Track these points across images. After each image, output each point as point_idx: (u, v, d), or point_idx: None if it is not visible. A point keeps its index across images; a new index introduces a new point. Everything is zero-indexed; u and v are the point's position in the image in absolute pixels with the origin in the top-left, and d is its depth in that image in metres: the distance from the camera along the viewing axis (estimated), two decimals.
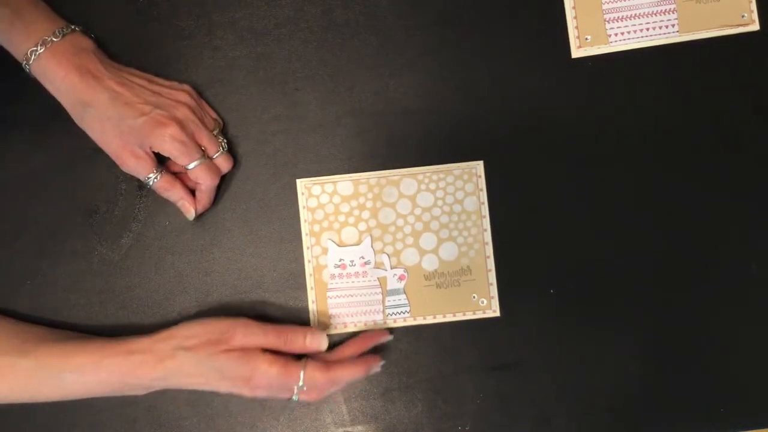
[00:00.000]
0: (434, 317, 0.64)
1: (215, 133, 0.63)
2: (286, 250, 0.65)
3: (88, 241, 0.65)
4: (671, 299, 0.64)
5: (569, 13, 0.66)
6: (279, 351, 0.59)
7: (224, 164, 0.64)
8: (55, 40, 0.59)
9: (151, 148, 0.60)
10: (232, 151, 0.65)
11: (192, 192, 0.63)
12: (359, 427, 0.64)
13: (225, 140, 0.64)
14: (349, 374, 0.60)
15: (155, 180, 0.61)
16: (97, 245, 0.65)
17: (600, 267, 0.65)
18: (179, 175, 0.63)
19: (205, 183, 0.62)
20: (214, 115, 0.64)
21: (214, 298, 0.64)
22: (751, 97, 0.66)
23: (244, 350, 0.58)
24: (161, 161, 0.62)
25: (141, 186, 0.65)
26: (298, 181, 0.65)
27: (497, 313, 0.64)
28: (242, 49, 0.66)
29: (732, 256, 0.65)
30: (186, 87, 0.64)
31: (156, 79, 0.63)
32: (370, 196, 0.65)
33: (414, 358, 0.64)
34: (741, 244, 0.65)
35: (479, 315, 0.64)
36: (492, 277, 0.64)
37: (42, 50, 0.59)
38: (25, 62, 0.60)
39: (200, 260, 0.65)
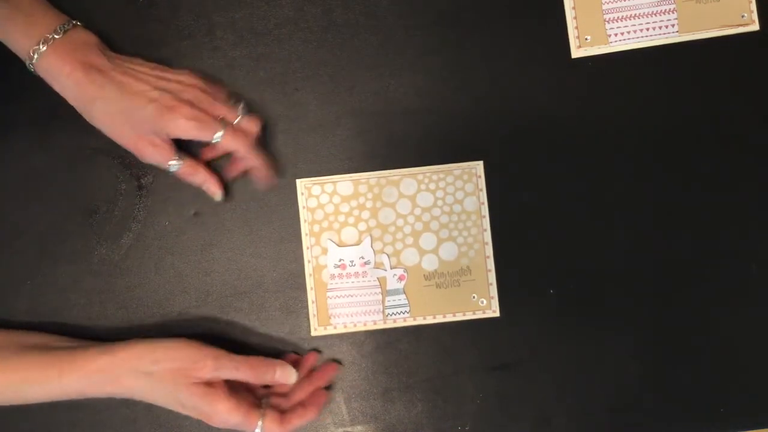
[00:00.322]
0: (434, 317, 0.64)
1: (231, 103, 0.63)
2: (286, 250, 0.65)
3: (88, 241, 0.65)
4: (671, 299, 0.64)
5: (569, 13, 0.66)
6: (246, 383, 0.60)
7: (250, 125, 0.62)
8: (57, 36, 0.59)
9: (168, 135, 0.60)
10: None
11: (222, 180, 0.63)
12: (359, 427, 0.64)
13: (243, 104, 0.63)
14: (304, 421, 0.60)
15: (178, 166, 0.61)
16: (97, 245, 0.65)
17: (600, 267, 0.65)
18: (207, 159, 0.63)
19: (239, 149, 0.61)
20: (222, 90, 0.63)
21: (214, 298, 0.64)
22: (751, 97, 0.66)
23: (210, 387, 0.57)
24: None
25: (141, 186, 0.65)
26: (298, 181, 0.65)
27: (497, 313, 0.64)
28: (242, 49, 0.66)
29: (732, 256, 0.65)
30: (188, 71, 0.63)
31: (159, 66, 0.62)
32: (370, 196, 0.65)
33: (414, 358, 0.64)
34: (741, 244, 0.65)
35: (479, 315, 0.64)
36: (492, 277, 0.64)
37: (45, 48, 0.59)
38: (28, 61, 0.59)
39: (200, 260, 0.65)
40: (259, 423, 0.58)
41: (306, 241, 0.65)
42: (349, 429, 0.64)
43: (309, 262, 0.64)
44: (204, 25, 0.66)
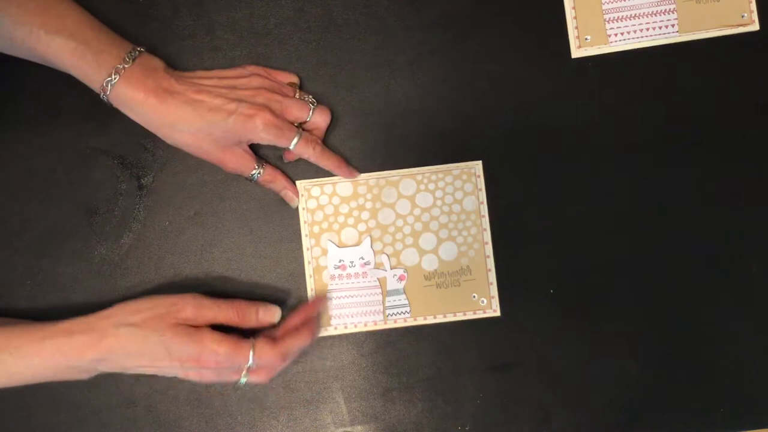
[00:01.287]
0: (434, 317, 0.64)
1: (297, 96, 0.63)
2: (286, 250, 0.65)
3: (88, 241, 0.65)
4: (671, 299, 0.64)
5: (569, 13, 0.66)
6: (229, 327, 0.59)
7: (321, 119, 0.63)
8: (126, 66, 0.59)
9: (248, 143, 0.61)
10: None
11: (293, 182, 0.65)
12: (359, 427, 0.64)
13: (310, 96, 0.64)
14: (298, 344, 0.60)
15: (259, 174, 0.62)
16: (97, 245, 0.65)
17: (600, 267, 0.65)
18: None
19: (310, 156, 0.62)
20: (288, 79, 0.64)
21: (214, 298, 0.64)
22: (751, 96, 0.65)
23: (193, 327, 0.57)
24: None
25: (141, 186, 0.65)
26: (297, 182, 0.65)
27: (497, 313, 0.64)
28: (242, 49, 0.66)
29: (732, 256, 0.65)
30: (250, 68, 0.64)
31: (222, 72, 0.63)
32: (369, 196, 0.65)
33: (414, 358, 0.64)
34: (741, 244, 0.65)
35: (479, 315, 0.64)
36: (492, 276, 0.64)
37: (116, 79, 0.58)
38: (102, 94, 0.59)
39: (200, 260, 0.65)
40: (251, 351, 0.57)
41: (306, 242, 0.65)
42: (349, 429, 0.64)
43: (309, 263, 0.64)
44: (204, 25, 0.66)
